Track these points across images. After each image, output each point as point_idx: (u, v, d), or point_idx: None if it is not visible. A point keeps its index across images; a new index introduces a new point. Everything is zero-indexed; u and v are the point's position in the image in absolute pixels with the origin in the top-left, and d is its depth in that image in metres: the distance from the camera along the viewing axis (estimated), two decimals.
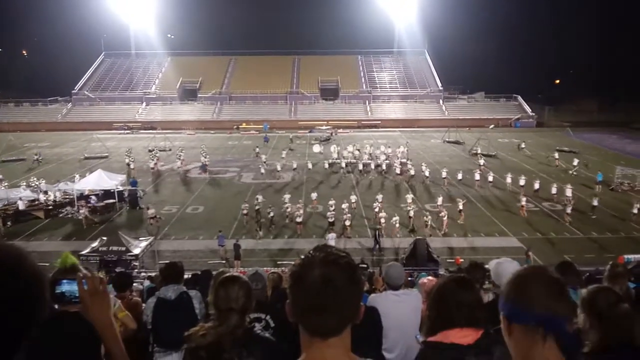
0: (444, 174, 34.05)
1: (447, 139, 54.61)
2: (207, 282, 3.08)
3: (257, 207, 26.63)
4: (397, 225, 24.38)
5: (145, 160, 42.29)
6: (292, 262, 1.52)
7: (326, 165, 38.95)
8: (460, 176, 34.23)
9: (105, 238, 20.58)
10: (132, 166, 39.62)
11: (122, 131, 63.86)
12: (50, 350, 2.28)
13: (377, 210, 25.95)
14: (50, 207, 27.85)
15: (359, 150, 42.78)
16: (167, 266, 5.48)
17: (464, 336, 2.07)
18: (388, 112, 73.02)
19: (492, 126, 65.84)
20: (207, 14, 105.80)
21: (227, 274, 2.79)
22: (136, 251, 19.83)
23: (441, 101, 76.36)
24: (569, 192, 28.49)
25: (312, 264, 1.42)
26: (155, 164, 40.13)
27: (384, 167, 38.18)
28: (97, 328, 2.07)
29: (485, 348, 1.98)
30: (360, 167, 38.57)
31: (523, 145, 49.14)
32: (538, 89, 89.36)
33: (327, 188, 33.54)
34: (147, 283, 11.48)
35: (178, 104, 75.39)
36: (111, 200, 29.00)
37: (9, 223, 26.07)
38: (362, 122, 69.01)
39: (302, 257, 1.48)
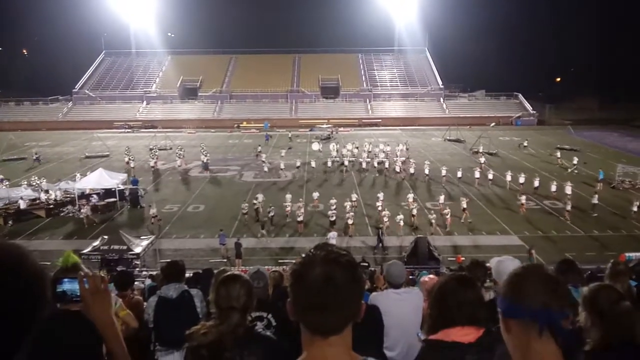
0: (443, 172, 34.07)
1: (448, 138, 54.59)
2: (209, 281, 3.08)
3: (255, 207, 26.65)
4: (402, 223, 24.41)
5: (146, 159, 42.32)
6: (293, 261, 1.52)
7: (329, 164, 38.99)
8: (460, 174, 34.21)
9: (106, 237, 20.58)
10: (132, 165, 39.67)
11: (123, 130, 63.90)
12: (52, 349, 2.28)
13: (380, 208, 25.94)
14: (51, 206, 27.88)
15: (357, 148, 42.81)
16: (169, 265, 5.49)
17: (465, 334, 2.08)
18: (389, 111, 72.96)
19: (493, 124, 65.76)
20: (207, 13, 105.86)
21: (229, 273, 2.79)
22: (137, 250, 19.85)
23: (442, 99, 76.26)
24: (568, 189, 28.51)
25: (313, 262, 1.42)
26: (155, 162, 40.17)
27: (385, 165, 38.13)
28: (98, 327, 2.07)
29: (487, 346, 1.98)
30: (364, 165, 38.57)
31: (525, 144, 49.10)
32: (539, 87, 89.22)
33: (328, 187, 33.54)
34: (148, 282, 11.49)
35: (178, 102, 75.37)
36: (112, 199, 29.04)
37: (10, 222, 26.13)
38: (363, 121, 68.96)
39: (303, 255, 1.49)
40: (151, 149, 44.91)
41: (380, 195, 28.10)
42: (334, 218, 24.68)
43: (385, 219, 24.53)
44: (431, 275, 6.21)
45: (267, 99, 76.12)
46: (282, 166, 38.01)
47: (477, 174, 34.01)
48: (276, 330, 3.42)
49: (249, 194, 30.79)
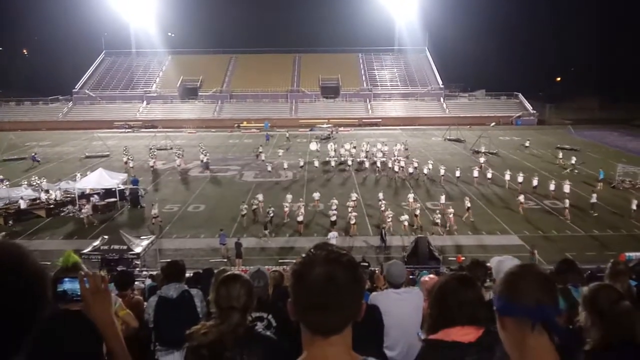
0: (441, 172, 34.10)
1: (448, 137, 54.58)
2: (209, 281, 3.08)
3: (254, 208, 26.61)
4: (407, 224, 24.40)
5: (145, 159, 42.33)
6: (294, 261, 1.52)
7: (332, 163, 39.05)
8: (458, 173, 34.16)
9: (106, 237, 20.58)
10: (130, 165, 39.66)
11: (123, 130, 63.90)
12: (52, 349, 2.28)
13: (383, 208, 25.94)
14: (52, 206, 27.89)
15: (355, 148, 42.82)
16: (169, 265, 5.50)
17: (465, 334, 2.08)
18: (389, 110, 72.95)
19: (493, 124, 65.75)
20: (207, 12, 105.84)
21: (229, 273, 2.79)
22: (138, 250, 19.85)
23: (442, 99, 76.25)
24: (567, 188, 28.56)
25: (315, 262, 1.42)
26: (154, 162, 40.18)
27: (381, 164, 38.04)
28: (98, 326, 2.07)
29: (487, 346, 1.98)
30: (366, 164, 38.62)
31: (527, 144, 49.04)
32: (539, 86, 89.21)
33: (328, 186, 33.55)
34: (148, 282, 11.49)
35: (179, 102, 75.38)
36: (112, 199, 29.04)
37: (10, 222, 26.14)
38: (363, 120, 68.96)
39: (304, 255, 1.48)
40: (150, 149, 44.94)
41: (381, 195, 28.10)
42: (334, 218, 24.65)
43: (389, 219, 24.53)
44: (431, 275, 6.21)
45: (267, 98, 76.12)
46: (285, 165, 38.01)
47: (475, 173, 34.02)
48: (276, 331, 3.42)
49: (249, 193, 30.79)
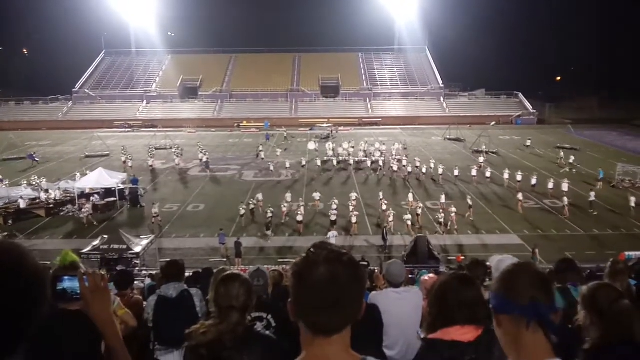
0: (440, 171, 34.09)
1: (448, 137, 54.58)
2: (208, 280, 3.08)
3: (251, 208, 26.57)
4: (410, 223, 24.40)
5: (145, 159, 42.31)
6: (293, 260, 1.52)
7: (335, 162, 39.05)
8: (457, 172, 34.14)
9: (106, 236, 20.58)
10: (129, 164, 39.64)
11: (123, 129, 63.88)
12: (52, 348, 2.28)
13: (384, 208, 25.92)
14: (51, 205, 27.88)
15: (353, 147, 42.84)
16: (168, 264, 5.50)
17: (464, 333, 2.08)
18: (389, 110, 72.95)
19: (493, 123, 65.73)
20: (207, 12, 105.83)
21: (228, 272, 2.79)
22: (137, 249, 19.84)
23: (442, 98, 76.24)
24: (565, 186, 28.59)
25: (315, 262, 1.41)
26: (153, 161, 40.17)
27: (380, 163, 37.92)
28: (98, 325, 2.07)
29: (486, 345, 1.98)
30: (368, 163, 38.57)
31: (528, 143, 48.98)
32: (539, 86, 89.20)
33: (328, 186, 33.54)
34: (148, 281, 11.50)
35: (179, 102, 75.38)
36: (112, 199, 29.03)
37: (10, 221, 26.13)
38: (363, 120, 68.97)
39: (304, 255, 1.47)
40: (149, 149, 44.91)
41: (381, 194, 28.09)
42: (334, 218, 24.63)
43: (390, 219, 24.51)
44: (431, 275, 6.21)
45: (267, 98, 76.10)
46: (287, 165, 37.99)
47: (474, 172, 34.04)
48: (276, 331, 3.42)
49: (249, 193, 30.79)
